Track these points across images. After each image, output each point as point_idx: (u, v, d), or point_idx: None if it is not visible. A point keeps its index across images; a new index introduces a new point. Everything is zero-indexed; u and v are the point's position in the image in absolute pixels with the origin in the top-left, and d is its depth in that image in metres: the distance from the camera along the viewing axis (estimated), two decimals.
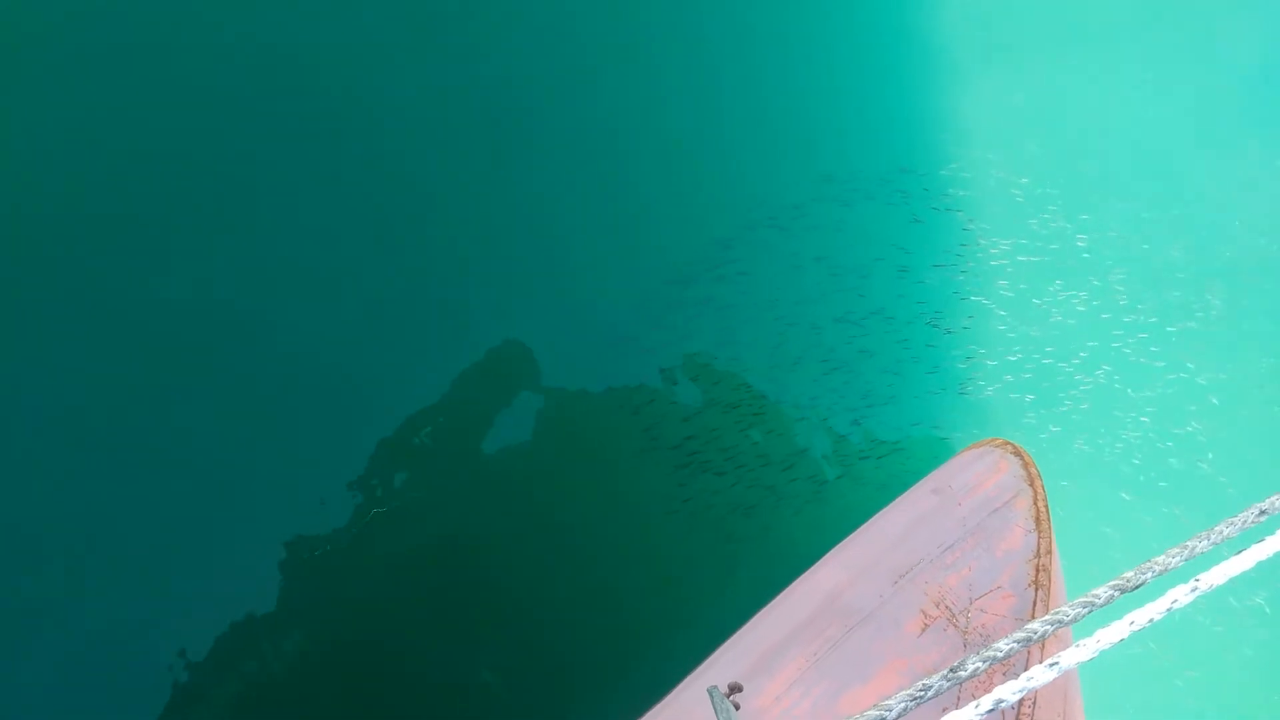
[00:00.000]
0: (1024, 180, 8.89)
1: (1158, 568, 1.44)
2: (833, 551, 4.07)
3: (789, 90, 9.04)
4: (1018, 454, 4.44)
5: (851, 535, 4.16)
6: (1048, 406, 8.13)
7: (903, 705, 1.35)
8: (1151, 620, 1.42)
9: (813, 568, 3.98)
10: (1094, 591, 1.44)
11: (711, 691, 2.44)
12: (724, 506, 7.24)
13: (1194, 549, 1.47)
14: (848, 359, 7.99)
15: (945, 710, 1.38)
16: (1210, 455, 8.05)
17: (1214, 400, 8.24)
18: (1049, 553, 3.86)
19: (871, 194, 8.62)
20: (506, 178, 7.97)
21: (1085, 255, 8.69)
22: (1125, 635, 1.41)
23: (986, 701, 1.34)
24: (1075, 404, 8.16)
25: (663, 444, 7.38)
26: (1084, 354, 8.32)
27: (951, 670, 1.38)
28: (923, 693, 1.37)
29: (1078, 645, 1.40)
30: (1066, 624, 1.43)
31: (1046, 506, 4.11)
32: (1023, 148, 9.13)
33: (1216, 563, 1.50)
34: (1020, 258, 8.60)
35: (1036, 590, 3.66)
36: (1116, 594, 1.42)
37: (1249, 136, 9.49)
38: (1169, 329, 8.46)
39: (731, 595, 6.69)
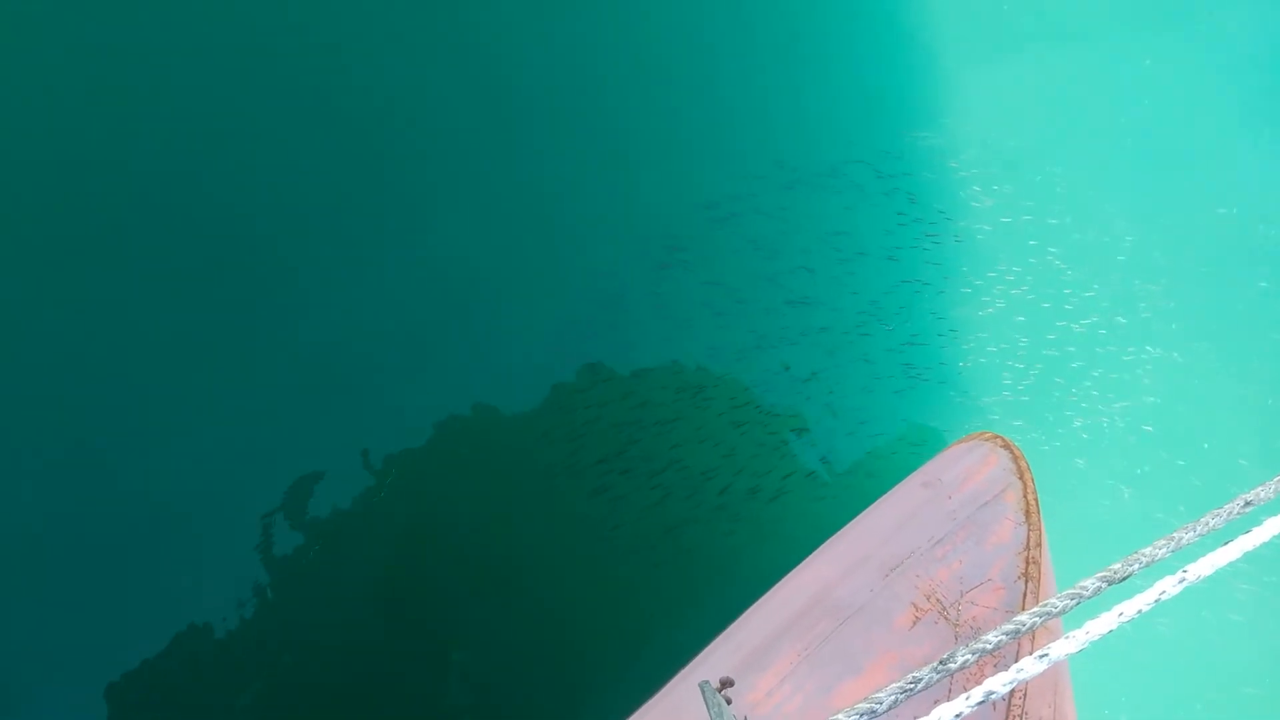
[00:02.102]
0: (973, 169, 8.87)
1: (1145, 559, 1.45)
2: (823, 546, 4.08)
3: (732, 77, 8.91)
4: (1007, 447, 4.46)
5: (841, 530, 4.17)
6: (988, 394, 8.14)
7: (893, 698, 1.36)
8: (1140, 611, 1.43)
9: (803, 563, 3.99)
10: (1082, 583, 1.44)
11: (703, 686, 2.44)
12: (652, 525, 7.07)
13: (1181, 540, 1.48)
14: (787, 356, 7.88)
15: (936, 703, 1.38)
16: (1153, 426, 8.13)
17: (1163, 386, 8.31)
18: (1039, 545, 3.88)
19: (813, 182, 8.52)
20: (432, 182, 7.76)
21: (1031, 243, 8.72)
22: (1114, 626, 1.42)
23: (977, 693, 1.35)
24: (1016, 392, 8.19)
25: (584, 460, 7.18)
26: (1024, 341, 8.36)
27: (941, 663, 1.39)
28: (913, 685, 1.37)
29: (1067, 637, 1.40)
30: (1055, 616, 1.43)
31: (1036, 499, 4.14)
32: (970, 134, 9.07)
33: (1204, 554, 1.52)
34: (959, 242, 8.58)
35: (1026, 583, 3.68)
36: (1104, 585, 1.43)
37: (1223, 123, 9.53)
38: (1115, 315, 8.52)
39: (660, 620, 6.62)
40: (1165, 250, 8.81)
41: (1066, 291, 8.53)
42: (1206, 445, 8.12)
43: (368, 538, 6.67)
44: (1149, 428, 8.13)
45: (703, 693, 2.39)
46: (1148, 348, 8.41)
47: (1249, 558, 1.56)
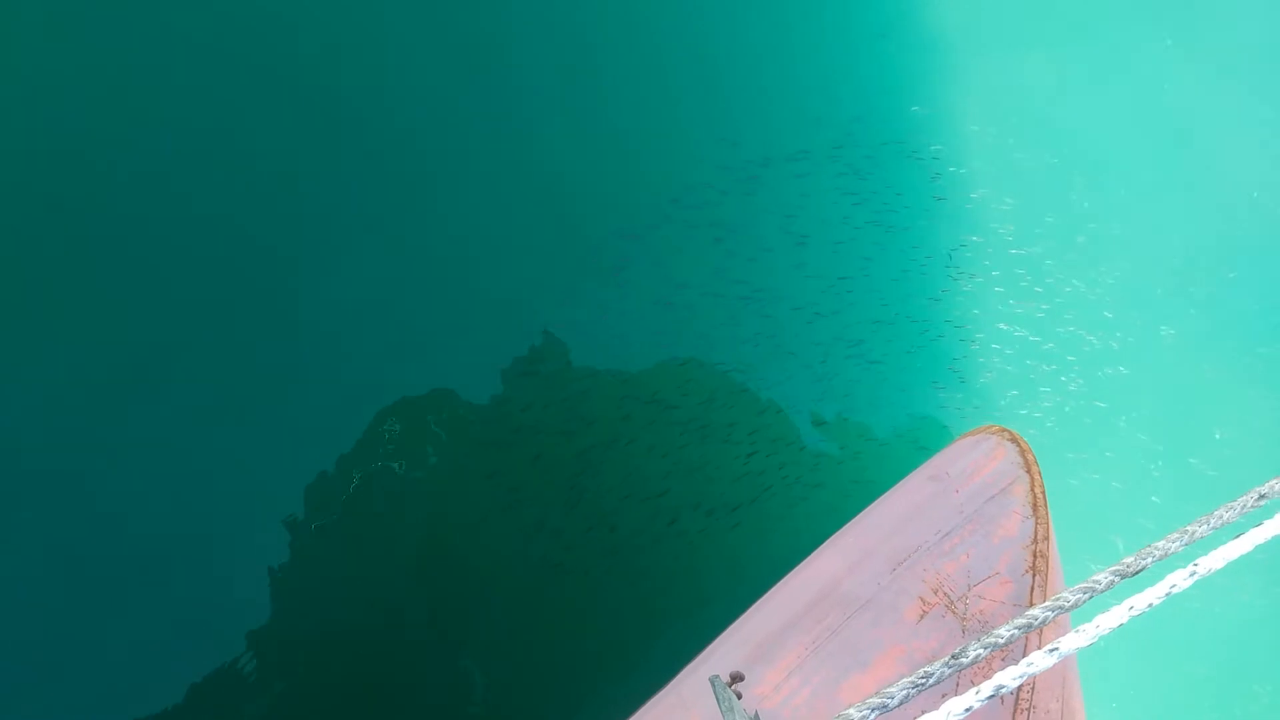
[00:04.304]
0: (935, 147, 8.86)
1: (1158, 553, 1.44)
2: (831, 540, 4.07)
3: (708, 67, 8.77)
4: (1014, 440, 4.44)
5: (849, 523, 4.17)
6: (946, 379, 8.12)
7: (905, 692, 1.36)
8: (1151, 605, 1.42)
9: (811, 556, 3.98)
10: (1094, 577, 1.44)
11: (714, 681, 2.44)
12: (649, 524, 6.97)
13: (1194, 533, 1.48)
14: (741, 354, 7.72)
15: (945, 696, 1.38)
16: (1109, 403, 8.13)
17: (1126, 362, 8.33)
18: (1046, 538, 3.86)
19: (770, 171, 8.39)
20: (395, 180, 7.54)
21: (993, 225, 8.70)
22: (1124, 620, 1.41)
23: (987, 688, 1.34)
24: (974, 375, 8.16)
25: (528, 495, 6.98)
26: (978, 324, 8.38)
27: (953, 657, 1.38)
28: (924, 680, 1.37)
29: (1077, 631, 1.40)
30: (1067, 610, 1.43)
31: (1044, 492, 4.12)
32: (936, 121, 9.03)
33: (1215, 547, 1.51)
34: (907, 230, 8.54)
35: (1034, 576, 3.67)
36: (1117, 579, 1.43)
37: (1210, 109, 9.49)
38: (1077, 295, 8.49)
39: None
40: (1131, 233, 8.80)
41: (1020, 271, 8.53)
42: (1167, 417, 8.13)
43: (380, 540, 6.64)
44: (1102, 404, 8.14)
45: (713, 687, 2.39)
46: (1106, 313, 8.41)
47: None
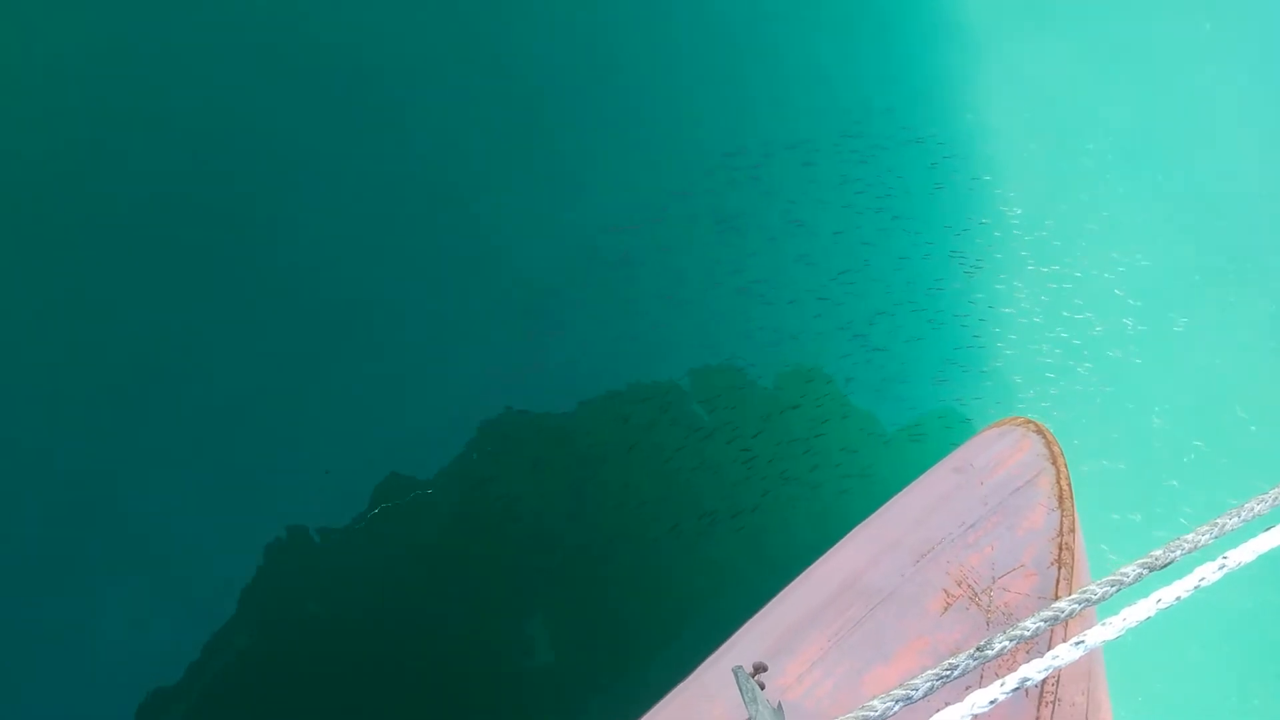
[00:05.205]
0: (939, 143, 8.73)
1: (1187, 545, 1.43)
2: (854, 531, 4.06)
3: (697, 50, 8.60)
4: (1040, 432, 4.40)
5: (872, 515, 4.16)
6: (950, 370, 8.03)
7: (929, 684, 1.36)
8: (1179, 598, 1.41)
9: (834, 548, 3.98)
10: (1122, 570, 1.43)
11: (737, 671, 2.45)
12: (676, 517, 6.87)
13: (1224, 526, 1.46)
14: (744, 351, 7.56)
15: (969, 689, 1.38)
16: (1115, 388, 8.02)
17: (1126, 345, 8.20)
18: (1072, 531, 3.84)
19: (774, 160, 8.20)
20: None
21: (1012, 215, 8.58)
22: (1152, 613, 1.40)
23: (1012, 680, 1.34)
24: (977, 365, 8.09)
25: (517, 516, 6.82)
26: (984, 318, 8.28)
27: (978, 649, 1.38)
28: (949, 672, 1.37)
29: (1104, 624, 1.39)
30: (1094, 603, 1.42)
31: (1069, 485, 4.09)
32: (929, 109, 8.91)
33: (1245, 539, 1.49)
34: (897, 220, 8.39)
35: (1059, 569, 3.64)
36: (1145, 572, 1.42)
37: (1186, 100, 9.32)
38: (1085, 283, 8.37)
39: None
40: (1146, 221, 8.65)
41: (1024, 254, 8.39)
42: (1182, 402, 8.01)
43: (376, 545, 6.56)
44: (1109, 389, 8.03)
45: (736, 677, 2.40)
46: (1116, 291, 8.32)
47: None
